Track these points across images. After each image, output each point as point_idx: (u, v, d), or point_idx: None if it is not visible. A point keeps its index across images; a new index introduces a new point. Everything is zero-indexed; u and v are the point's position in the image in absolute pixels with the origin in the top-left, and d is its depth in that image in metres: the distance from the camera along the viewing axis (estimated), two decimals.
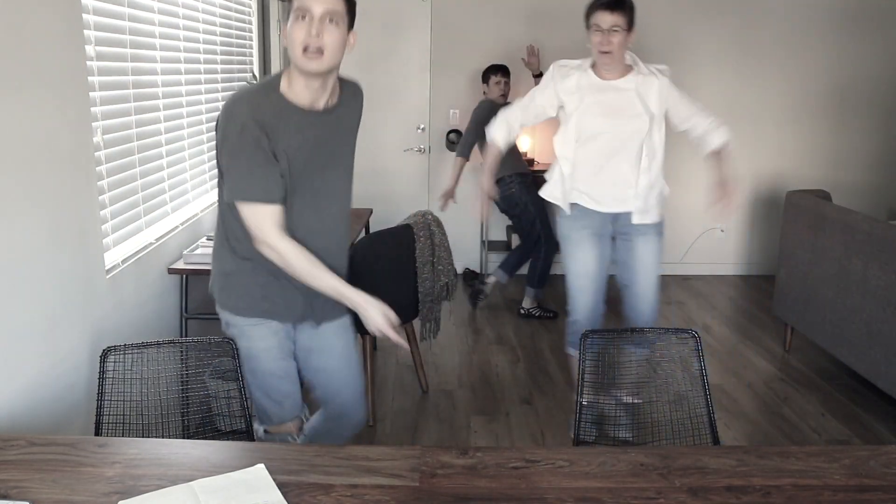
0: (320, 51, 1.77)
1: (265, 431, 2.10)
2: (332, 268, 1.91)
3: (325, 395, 2.16)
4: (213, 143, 1.91)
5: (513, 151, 4.40)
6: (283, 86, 1.85)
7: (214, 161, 1.93)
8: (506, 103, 4.44)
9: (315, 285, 1.88)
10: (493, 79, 4.61)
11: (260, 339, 1.99)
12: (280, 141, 1.82)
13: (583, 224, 2.87)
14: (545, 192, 2.94)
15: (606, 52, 2.68)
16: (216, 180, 2.19)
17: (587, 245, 2.88)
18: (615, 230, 2.90)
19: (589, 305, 2.94)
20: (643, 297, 2.93)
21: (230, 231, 1.94)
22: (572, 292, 2.96)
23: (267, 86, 1.87)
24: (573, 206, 2.86)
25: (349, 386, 2.15)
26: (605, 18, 2.66)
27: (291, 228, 1.88)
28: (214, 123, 1.89)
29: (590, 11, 2.74)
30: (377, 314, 1.84)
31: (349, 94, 1.99)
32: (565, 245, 2.93)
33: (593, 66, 2.79)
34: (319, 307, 2.02)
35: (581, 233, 2.87)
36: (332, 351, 2.11)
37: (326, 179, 1.95)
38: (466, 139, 4.50)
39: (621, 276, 2.97)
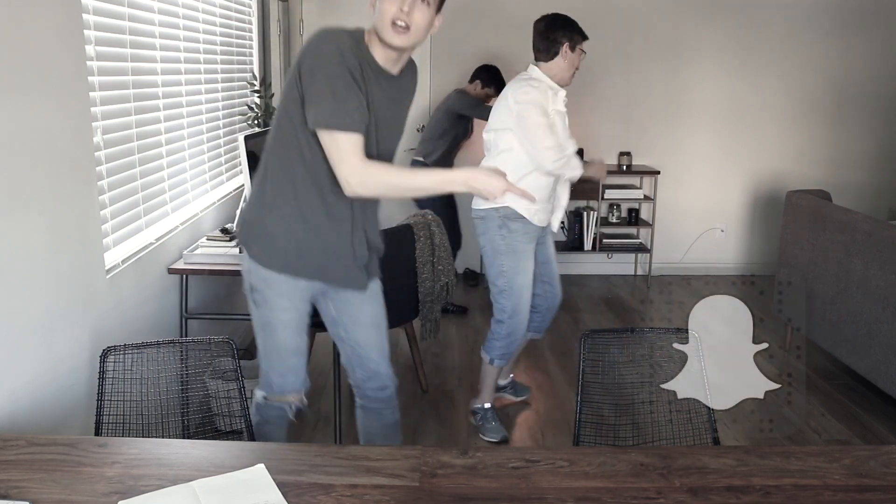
0: (408, 27, 1.81)
1: (264, 398, 2.13)
2: (373, 229, 2.03)
3: (358, 368, 2.18)
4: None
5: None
6: (367, 39, 1.89)
7: (288, 94, 1.85)
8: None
9: (420, 187, 1.93)
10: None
11: (282, 311, 2.01)
12: (364, 84, 1.82)
13: (531, 238, 2.97)
14: (518, 205, 2.86)
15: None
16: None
17: (532, 258, 3.01)
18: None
19: (527, 317, 3.07)
20: (557, 281, 3.19)
21: (285, 175, 1.90)
22: (518, 305, 3.00)
23: (354, 31, 1.87)
24: (526, 221, 2.92)
25: (374, 350, 2.16)
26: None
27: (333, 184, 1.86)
28: (296, 62, 1.83)
29: (580, 37, 2.96)
30: (492, 181, 1.82)
31: (410, 69, 2.04)
32: (515, 259, 2.94)
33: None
34: (351, 272, 2.04)
35: (529, 246, 2.97)
36: (360, 317, 2.14)
37: (381, 140, 1.96)
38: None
39: (541, 273, 3.12)
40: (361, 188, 1.82)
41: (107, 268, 2.41)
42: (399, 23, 1.80)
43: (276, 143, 1.94)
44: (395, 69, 1.93)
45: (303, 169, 1.90)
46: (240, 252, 2.06)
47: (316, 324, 3.18)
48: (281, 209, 1.94)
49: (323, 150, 1.82)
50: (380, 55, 1.88)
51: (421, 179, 1.92)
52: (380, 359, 2.18)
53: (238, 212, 2.07)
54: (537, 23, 3.07)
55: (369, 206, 2.05)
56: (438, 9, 1.89)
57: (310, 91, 1.80)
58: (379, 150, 1.95)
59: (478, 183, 1.84)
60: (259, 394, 2.13)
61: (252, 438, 1.92)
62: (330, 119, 1.77)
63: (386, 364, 2.20)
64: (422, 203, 4.15)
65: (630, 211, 5.46)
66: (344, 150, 1.78)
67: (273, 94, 4.19)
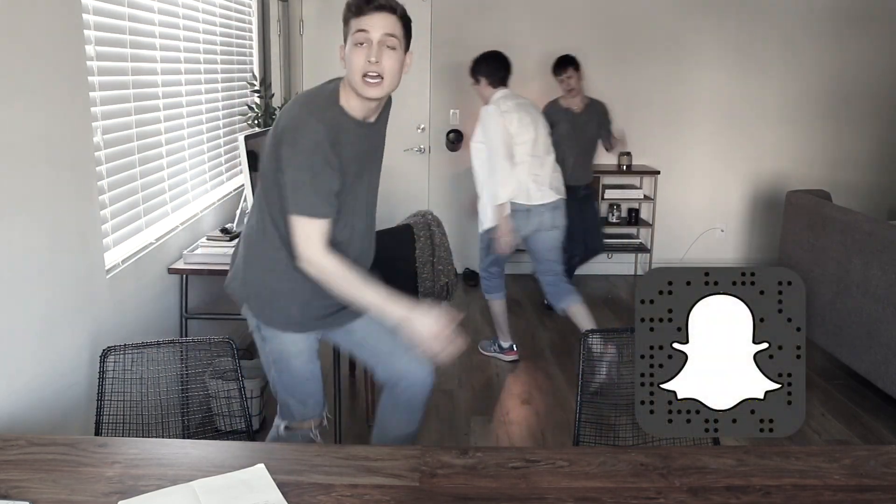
0: (380, 77, 1.81)
1: (286, 428, 2.12)
2: (365, 268, 2.01)
3: (383, 372, 2.18)
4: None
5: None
6: (342, 99, 1.88)
7: (256, 170, 1.93)
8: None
9: (357, 300, 1.87)
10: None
11: (291, 345, 2.02)
12: (340, 155, 1.85)
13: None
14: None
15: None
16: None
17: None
18: None
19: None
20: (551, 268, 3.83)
21: (282, 240, 1.91)
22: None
23: (328, 98, 1.89)
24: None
25: (397, 352, 2.12)
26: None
27: (334, 234, 1.89)
28: (271, 129, 1.89)
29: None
30: (427, 325, 1.78)
31: (385, 104, 2.03)
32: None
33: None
34: (349, 313, 2.04)
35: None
36: (369, 334, 2.13)
37: (364, 184, 2.01)
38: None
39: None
40: (313, 270, 1.85)
41: (107, 268, 2.40)
42: (370, 74, 1.81)
43: (267, 208, 1.94)
44: (374, 116, 1.94)
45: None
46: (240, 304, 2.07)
47: None
48: (279, 270, 1.95)
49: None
50: (357, 108, 1.88)
51: (364, 295, 1.84)
52: (410, 359, 2.11)
53: (231, 266, 2.06)
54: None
55: (364, 238, 2.10)
56: (407, 47, 1.87)
57: (287, 180, 1.83)
58: (368, 188, 2.03)
59: (411, 325, 1.80)
60: (281, 424, 2.12)
61: (252, 438, 1.92)
62: (303, 208, 1.82)
63: (417, 360, 2.11)
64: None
65: (630, 211, 5.46)
66: (312, 235, 1.83)
67: (273, 94, 4.19)
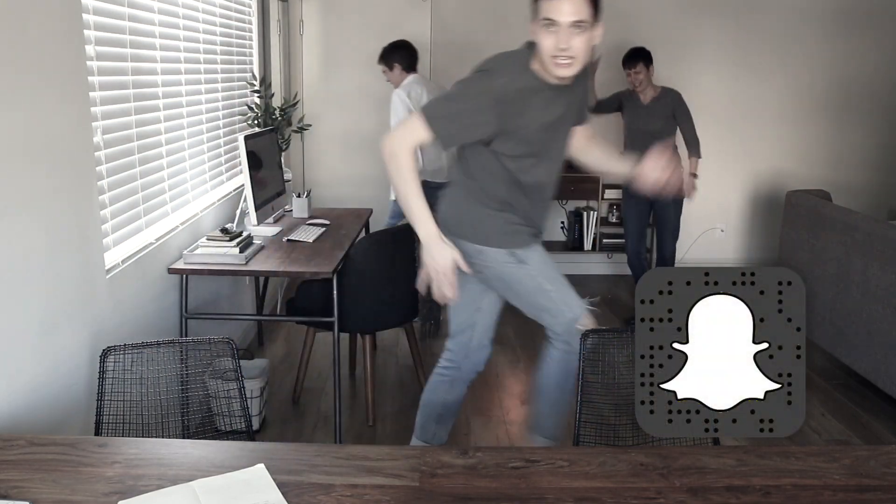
0: (570, 58, 1.91)
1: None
2: (541, 216, 2.29)
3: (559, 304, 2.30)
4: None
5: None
6: (535, 63, 2.01)
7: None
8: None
9: (404, 201, 2.07)
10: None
11: (502, 259, 2.22)
12: (524, 115, 2.03)
13: None
14: None
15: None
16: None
17: None
18: None
19: None
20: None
21: (483, 182, 2.18)
22: None
23: (523, 61, 2.04)
24: None
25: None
26: None
27: (525, 181, 2.15)
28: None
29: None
30: (437, 259, 2.03)
31: (583, 72, 2.11)
32: None
33: None
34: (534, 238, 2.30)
35: None
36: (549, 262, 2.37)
37: (558, 144, 2.20)
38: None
39: None
40: (388, 154, 2.05)
41: (107, 268, 2.40)
42: (561, 57, 1.91)
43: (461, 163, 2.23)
44: (570, 80, 2.05)
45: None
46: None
47: (316, 324, 3.20)
48: (483, 202, 2.22)
49: (511, 159, 2.12)
50: (551, 78, 2.02)
51: (411, 200, 2.05)
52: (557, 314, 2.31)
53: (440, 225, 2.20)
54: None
55: (547, 190, 2.29)
56: (595, 18, 1.94)
57: (449, 90, 2.14)
58: (557, 152, 2.20)
59: (426, 252, 2.07)
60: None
61: (252, 438, 1.92)
62: (429, 113, 2.03)
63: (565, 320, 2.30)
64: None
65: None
66: (412, 134, 2.03)
67: (273, 94, 4.19)
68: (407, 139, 2.04)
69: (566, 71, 1.95)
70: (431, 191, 2.19)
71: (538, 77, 2.01)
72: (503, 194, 2.20)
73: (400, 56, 4.11)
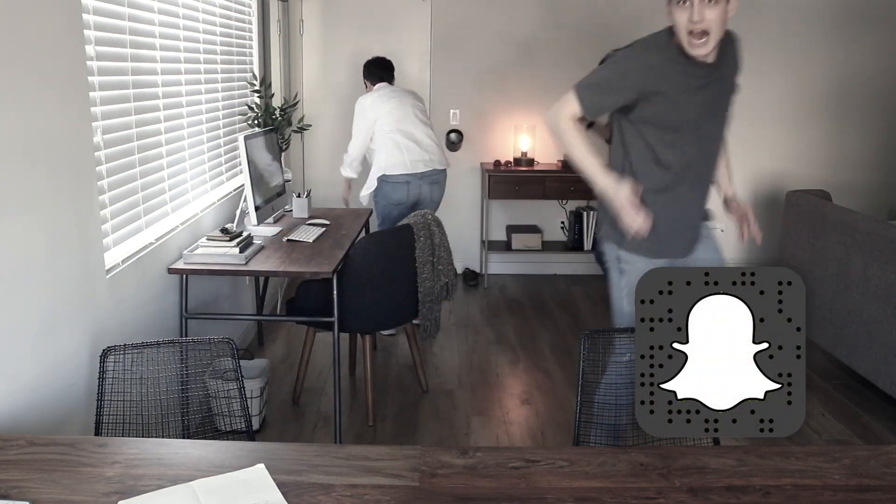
0: (705, 33, 2.00)
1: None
2: (703, 194, 2.34)
3: None
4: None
5: None
6: (677, 38, 2.09)
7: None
8: None
9: (577, 162, 2.18)
10: None
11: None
12: (664, 83, 2.11)
13: None
14: None
15: None
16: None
17: None
18: None
19: None
20: None
21: (641, 173, 2.22)
22: None
23: (664, 38, 2.15)
24: None
25: None
26: None
27: (674, 159, 2.21)
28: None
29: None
30: (620, 196, 2.09)
31: (729, 43, 2.24)
32: None
33: None
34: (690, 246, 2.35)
35: None
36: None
37: (709, 122, 2.27)
38: None
39: None
40: (550, 123, 2.21)
41: (107, 268, 2.40)
42: (695, 33, 1.98)
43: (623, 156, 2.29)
44: (710, 57, 2.13)
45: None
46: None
47: (316, 324, 3.20)
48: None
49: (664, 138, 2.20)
50: (689, 51, 2.09)
51: (581, 158, 2.17)
52: None
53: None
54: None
55: (704, 168, 2.34)
56: None
57: (598, 68, 2.37)
58: (709, 132, 2.28)
59: (619, 205, 2.12)
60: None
61: (252, 438, 1.92)
62: (579, 86, 2.16)
63: None
64: None
65: None
66: (567, 107, 2.16)
67: (273, 94, 4.19)
68: (561, 112, 2.17)
69: (701, 49, 2.03)
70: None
71: (681, 49, 2.09)
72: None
73: (368, 73, 4.30)
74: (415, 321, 3.45)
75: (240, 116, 3.96)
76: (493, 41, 5.21)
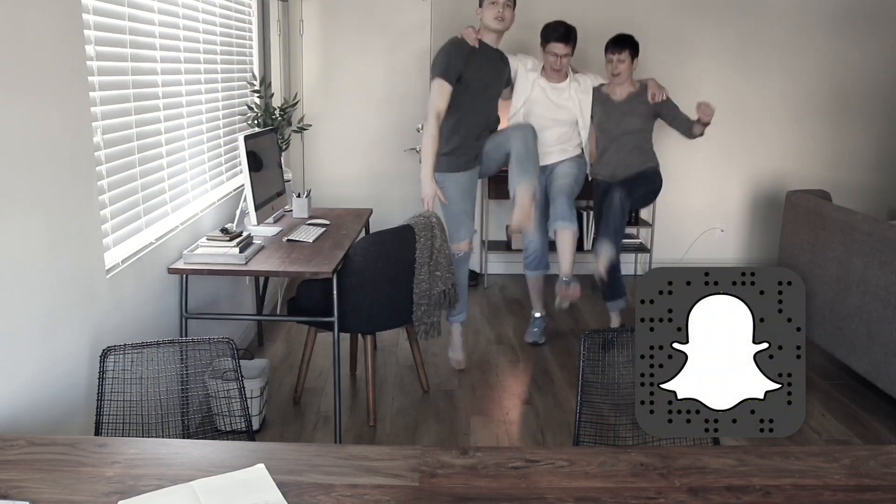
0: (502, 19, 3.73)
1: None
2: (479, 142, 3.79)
3: None
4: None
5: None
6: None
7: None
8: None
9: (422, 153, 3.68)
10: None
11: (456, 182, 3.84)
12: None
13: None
14: None
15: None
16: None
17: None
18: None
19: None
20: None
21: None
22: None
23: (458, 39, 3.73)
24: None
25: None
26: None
27: (463, 122, 3.70)
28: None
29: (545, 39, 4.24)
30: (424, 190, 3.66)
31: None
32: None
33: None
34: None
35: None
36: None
37: (487, 99, 3.77)
38: None
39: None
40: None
41: (107, 268, 2.41)
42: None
43: None
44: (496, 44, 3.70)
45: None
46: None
47: (316, 324, 3.20)
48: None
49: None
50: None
51: (425, 159, 3.66)
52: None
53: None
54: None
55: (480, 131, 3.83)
56: None
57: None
58: (487, 108, 3.75)
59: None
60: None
61: (252, 438, 1.92)
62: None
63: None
64: None
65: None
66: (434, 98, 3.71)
67: (273, 94, 4.19)
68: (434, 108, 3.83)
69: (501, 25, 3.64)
70: None
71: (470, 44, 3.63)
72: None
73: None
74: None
75: (240, 116, 3.96)
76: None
